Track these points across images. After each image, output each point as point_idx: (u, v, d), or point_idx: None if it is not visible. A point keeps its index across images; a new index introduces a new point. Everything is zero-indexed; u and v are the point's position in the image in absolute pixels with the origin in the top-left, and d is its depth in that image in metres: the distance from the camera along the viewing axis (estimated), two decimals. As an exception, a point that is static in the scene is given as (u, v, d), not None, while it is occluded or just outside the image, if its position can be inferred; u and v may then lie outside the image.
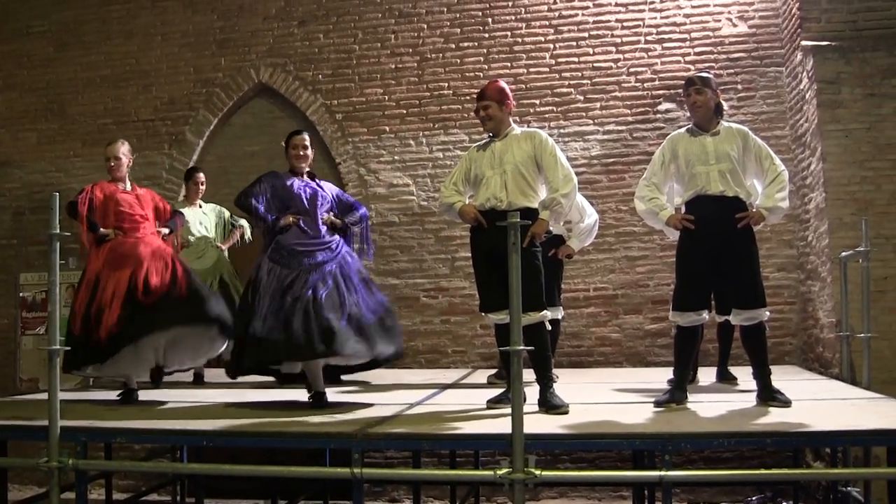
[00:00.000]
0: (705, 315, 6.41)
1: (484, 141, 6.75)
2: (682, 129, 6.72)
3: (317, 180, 7.33)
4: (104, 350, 7.02)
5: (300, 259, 6.79)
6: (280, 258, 6.84)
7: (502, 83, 6.68)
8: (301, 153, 7.20)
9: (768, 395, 6.26)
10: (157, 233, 7.64)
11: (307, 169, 7.29)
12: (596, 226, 8.57)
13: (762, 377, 6.36)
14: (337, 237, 7.10)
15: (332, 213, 7.19)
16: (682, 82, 6.77)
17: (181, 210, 8.67)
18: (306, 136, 7.30)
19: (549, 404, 6.10)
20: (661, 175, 6.67)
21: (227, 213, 9.81)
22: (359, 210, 7.43)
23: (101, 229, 7.41)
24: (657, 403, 6.27)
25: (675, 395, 6.30)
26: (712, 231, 6.30)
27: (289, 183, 7.11)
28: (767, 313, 6.41)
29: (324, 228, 7.03)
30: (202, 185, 9.73)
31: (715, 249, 6.29)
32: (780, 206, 6.38)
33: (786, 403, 6.12)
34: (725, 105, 6.78)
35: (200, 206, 9.68)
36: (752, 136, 6.53)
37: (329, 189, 7.35)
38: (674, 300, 6.58)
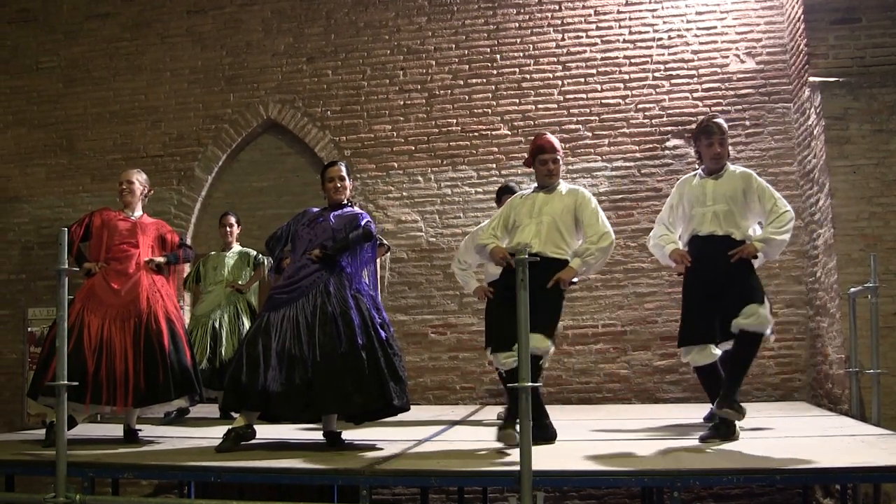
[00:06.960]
0: (716, 350, 6.39)
1: (529, 190, 6.83)
2: (693, 173, 6.82)
3: (334, 212, 6.81)
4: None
5: (274, 303, 6.55)
6: (269, 304, 6.61)
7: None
8: (338, 185, 6.84)
9: (728, 403, 6.14)
10: (145, 263, 7.32)
11: (340, 200, 6.86)
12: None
13: (732, 388, 6.23)
14: (316, 268, 6.54)
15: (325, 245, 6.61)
16: (691, 118, 6.80)
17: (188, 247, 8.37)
18: (341, 167, 6.91)
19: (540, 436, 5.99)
20: (672, 217, 6.84)
21: (252, 254, 9.82)
22: (357, 230, 6.69)
23: (86, 263, 7.30)
24: (702, 440, 6.22)
25: (721, 430, 6.29)
26: (707, 268, 6.41)
27: (304, 221, 6.84)
28: (770, 329, 6.34)
29: (310, 265, 6.57)
30: (229, 227, 9.81)
31: (713, 285, 6.36)
32: (773, 237, 6.36)
33: (739, 412, 6.11)
34: (731, 150, 6.78)
35: (224, 251, 9.80)
36: (755, 179, 6.56)
37: (340, 219, 6.75)
38: (678, 336, 6.64)
